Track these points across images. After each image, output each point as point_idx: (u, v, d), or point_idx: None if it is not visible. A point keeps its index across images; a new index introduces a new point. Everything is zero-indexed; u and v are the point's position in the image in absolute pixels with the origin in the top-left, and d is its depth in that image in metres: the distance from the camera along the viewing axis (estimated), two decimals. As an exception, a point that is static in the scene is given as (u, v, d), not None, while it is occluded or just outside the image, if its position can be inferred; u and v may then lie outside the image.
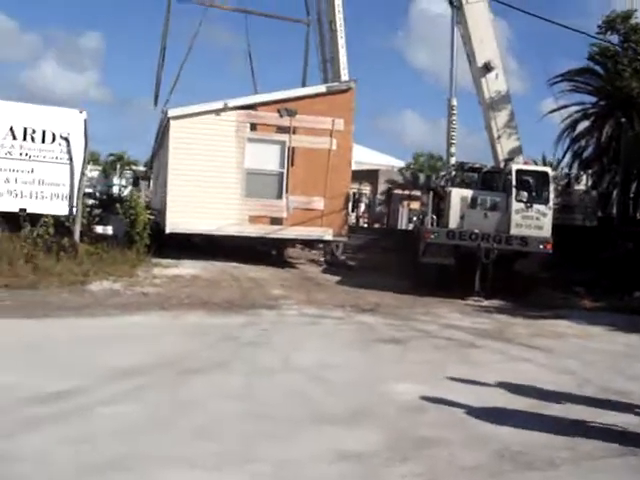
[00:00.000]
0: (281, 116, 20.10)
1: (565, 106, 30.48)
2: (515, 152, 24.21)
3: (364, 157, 42.21)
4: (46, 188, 17.08)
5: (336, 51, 30.19)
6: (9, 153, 16.74)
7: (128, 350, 9.23)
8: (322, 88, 22.08)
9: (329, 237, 21.09)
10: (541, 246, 17.77)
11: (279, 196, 20.36)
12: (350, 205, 24.71)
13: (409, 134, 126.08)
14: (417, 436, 6.53)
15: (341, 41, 29.89)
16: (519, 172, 18.61)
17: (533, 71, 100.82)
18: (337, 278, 19.18)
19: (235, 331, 11.19)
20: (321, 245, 22.89)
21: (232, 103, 19.95)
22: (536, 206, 18.20)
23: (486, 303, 17.19)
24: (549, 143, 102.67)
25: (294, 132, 20.21)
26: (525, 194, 18.18)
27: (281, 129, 20.24)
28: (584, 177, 28.23)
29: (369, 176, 37.17)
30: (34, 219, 16.74)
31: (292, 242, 22.59)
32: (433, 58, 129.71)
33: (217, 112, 19.80)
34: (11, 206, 16.70)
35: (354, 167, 24.08)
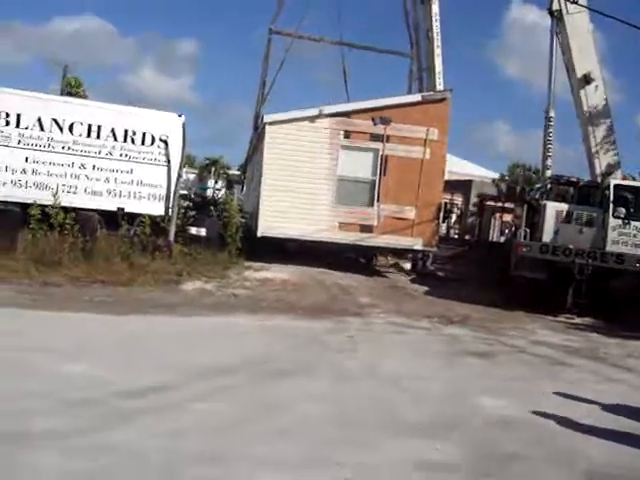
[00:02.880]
0: (375, 124, 20.10)
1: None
2: (613, 167, 23.55)
3: (457, 167, 41.72)
4: (144, 189, 17.58)
5: (432, 60, 30.00)
6: (110, 154, 17.30)
7: (218, 349, 9.43)
8: (417, 97, 22.01)
9: (419, 247, 20.96)
10: (638, 264, 17.24)
11: (370, 204, 20.36)
12: (441, 215, 24.48)
13: (500, 145, 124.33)
14: (502, 452, 6.45)
15: (437, 50, 29.68)
16: (617, 187, 18.11)
17: (629, 84, 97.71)
18: (425, 288, 19.06)
19: (322, 336, 11.28)
20: (411, 254, 22.76)
21: (327, 110, 20.09)
22: (634, 223, 17.69)
23: (578, 321, 16.79)
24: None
25: (387, 140, 20.19)
26: (623, 210, 17.68)
27: (375, 137, 20.25)
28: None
29: (462, 186, 36.73)
30: (131, 218, 17.26)
31: (382, 250, 22.54)
32: (526, 68, 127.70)
33: (312, 119, 19.96)
34: (110, 205, 17.25)
35: (447, 177, 23.88)
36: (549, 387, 9.18)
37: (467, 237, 34.73)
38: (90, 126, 17.20)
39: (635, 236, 17.65)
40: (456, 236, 35.79)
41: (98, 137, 17.24)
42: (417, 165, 20.27)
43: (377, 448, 6.20)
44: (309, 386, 8.04)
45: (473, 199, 35.53)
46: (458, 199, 38.32)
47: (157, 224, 17.53)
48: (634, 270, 17.27)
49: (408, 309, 15.34)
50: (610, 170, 23.29)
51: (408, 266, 22.85)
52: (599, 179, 22.43)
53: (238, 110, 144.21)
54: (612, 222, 17.69)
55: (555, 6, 23.56)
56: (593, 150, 23.72)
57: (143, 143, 17.59)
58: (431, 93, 23.67)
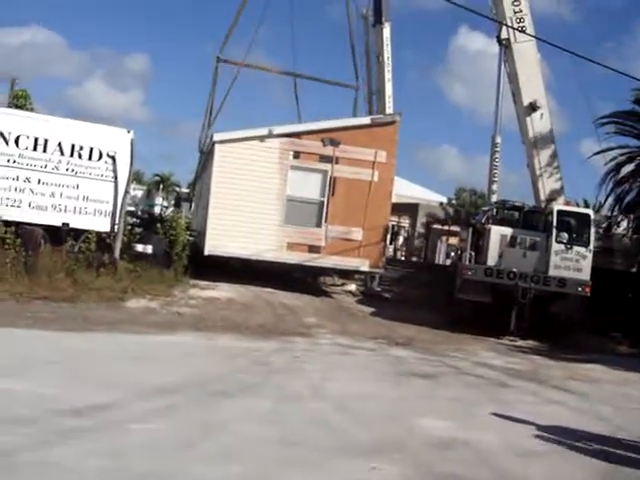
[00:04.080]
0: (324, 145, 20.23)
1: (610, 148, 30.06)
2: (557, 193, 24.07)
3: (405, 190, 42.14)
4: (90, 204, 17.33)
5: (382, 84, 30.42)
6: (56, 168, 17.03)
7: (161, 368, 9.34)
8: (367, 120, 22.24)
9: (366, 268, 21.07)
10: (579, 288, 17.60)
11: (318, 225, 20.43)
12: (388, 237, 24.66)
13: (448, 169, 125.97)
14: (442, 472, 6.50)
15: (388, 74, 30.15)
16: (560, 213, 18.50)
17: (572, 112, 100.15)
18: (372, 309, 19.14)
19: (267, 356, 11.26)
20: (357, 276, 22.85)
21: (277, 130, 20.16)
22: (576, 248, 18.06)
23: (521, 343, 17.05)
24: (589, 185, 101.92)
25: (337, 162, 20.32)
26: (565, 235, 18.04)
27: (324, 158, 20.36)
28: (625, 221, 27.86)
29: (409, 209, 37.08)
30: (76, 234, 17.02)
31: (329, 271, 22.59)
32: (472, 94, 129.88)
33: (262, 138, 20.00)
34: (55, 220, 16.96)
35: (394, 200, 24.09)
36: (490, 408, 9.29)
37: (414, 259, 35.00)
38: (37, 139, 16.91)
39: (577, 261, 18.01)
40: (403, 258, 36.08)
41: (44, 151, 16.95)
42: (365, 187, 20.42)
43: (319, 468, 6.20)
44: (253, 407, 8.00)
45: (420, 222, 35.84)
46: (405, 221, 38.71)
47: (103, 240, 17.31)
48: (576, 294, 17.62)
49: (354, 330, 15.39)
50: (554, 195, 23.78)
51: (355, 287, 22.92)
52: (543, 204, 22.86)
53: (189, 127, 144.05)
54: (555, 247, 18.02)
55: (504, 34, 24.07)
56: (538, 175, 24.21)
57: (90, 158, 17.35)
58: (380, 116, 23.98)
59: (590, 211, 20.62)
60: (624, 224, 27.99)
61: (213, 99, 27.82)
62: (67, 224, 16.99)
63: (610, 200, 31.40)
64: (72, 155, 17.21)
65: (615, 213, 29.98)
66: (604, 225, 26.30)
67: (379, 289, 22.60)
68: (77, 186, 17.21)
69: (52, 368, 8.57)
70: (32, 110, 24.99)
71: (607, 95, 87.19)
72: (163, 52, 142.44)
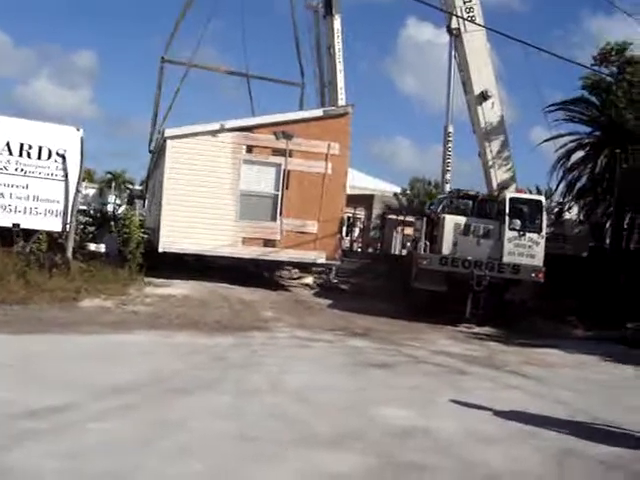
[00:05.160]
0: (277, 139, 20.16)
1: (560, 135, 30.56)
2: (508, 180, 24.32)
3: (359, 182, 42.30)
4: (40, 204, 17.04)
5: (334, 76, 30.41)
6: (5, 168, 16.71)
7: (117, 368, 9.22)
8: (319, 112, 22.21)
9: (322, 260, 21.08)
10: (533, 274, 17.83)
11: (273, 218, 20.38)
12: (344, 229, 24.69)
13: (400, 160, 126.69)
14: (403, 461, 6.52)
15: (339, 66, 30.14)
16: (512, 200, 18.70)
17: (521, 100, 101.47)
18: (329, 302, 19.16)
19: (225, 352, 11.18)
20: (314, 268, 22.86)
21: (229, 125, 20.03)
22: (529, 234, 18.27)
23: (477, 330, 17.23)
24: (541, 172, 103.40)
25: (290, 155, 20.28)
26: (518, 222, 18.24)
27: (277, 152, 20.30)
28: (576, 207, 28.35)
29: (364, 200, 37.26)
30: (27, 235, 16.74)
31: (285, 264, 22.56)
32: (422, 84, 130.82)
33: (214, 133, 19.86)
34: (4, 221, 16.64)
35: (349, 191, 24.16)
36: (449, 396, 9.35)
37: (370, 250, 35.16)
38: (-17, 139, 16.61)
39: (530, 247, 18.22)
40: (359, 249, 36.19)
41: (-8, 151, 16.66)
42: (319, 180, 20.42)
43: (280, 462, 6.17)
44: (212, 402, 7.94)
45: (375, 213, 36.02)
46: (360, 213, 38.84)
47: (54, 240, 17.07)
48: (530, 280, 17.84)
49: (311, 323, 15.38)
50: (506, 183, 24.03)
51: (311, 280, 22.93)
52: (495, 192, 23.09)
53: (140, 124, 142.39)
54: (508, 234, 18.21)
55: (454, 24, 24.20)
56: (489, 164, 24.43)
57: (40, 157, 17.05)
58: (332, 108, 23.99)
59: (542, 197, 20.87)
60: (575, 210, 28.47)
61: (159, 100, 27.35)
62: (17, 225, 16.70)
63: (561, 187, 31.99)
64: (21, 155, 16.91)
65: (566, 199, 30.52)
66: (555, 211, 26.71)
67: (336, 281, 22.65)
68: (27, 186, 16.91)
69: (6, 371, 8.39)
70: (-22, 109, 24.53)
71: (556, 83, 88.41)
72: (111, 49, 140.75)
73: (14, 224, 16.68)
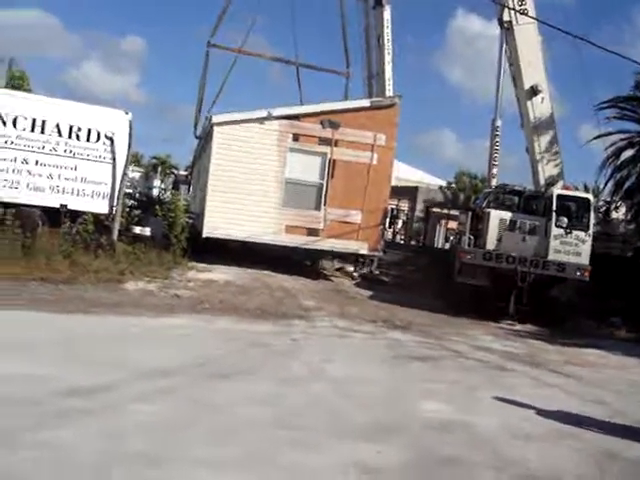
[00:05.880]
0: (324, 128, 20.13)
1: (610, 133, 30.00)
2: (556, 177, 24.03)
3: (404, 173, 42.14)
4: (88, 186, 17.25)
5: (382, 66, 30.26)
6: (54, 149, 16.94)
7: (158, 351, 9.31)
8: (366, 102, 22.10)
9: (364, 251, 21.03)
10: (579, 273, 17.59)
11: (317, 207, 20.37)
12: (387, 221, 24.61)
13: (447, 152, 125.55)
14: (440, 455, 6.48)
15: (388, 57, 29.96)
16: (560, 197, 18.44)
17: (572, 96, 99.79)
18: (370, 293, 19.12)
19: (265, 338, 11.22)
20: (356, 259, 22.80)
21: (276, 112, 20.04)
22: (575, 232, 18.02)
23: (519, 327, 17.06)
24: (589, 169, 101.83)
25: (336, 144, 20.22)
26: (565, 220, 18.00)
27: (323, 141, 20.26)
28: (624, 206, 27.87)
29: (408, 193, 37.07)
30: (74, 216, 16.96)
31: (327, 254, 22.55)
32: (469, 77, 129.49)
33: (261, 121, 19.89)
34: (52, 202, 16.88)
35: (394, 183, 24.04)
36: (489, 391, 9.28)
37: (412, 243, 35.03)
38: (34, 120, 16.80)
39: (576, 245, 17.98)
40: (402, 242, 36.08)
41: (42, 132, 16.85)
42: (364, 170, 20.34)
43: (317, 450, 6.18)
44: (252, 388, 7.98)
45: (419, 205, 35.84)
46: (404, 205, 38.69)
47: (100, 222, 17.26)
48: (575, 278, 17.61)
49: (352, 313, 15.36)
50: (553, 180, 23.75)
51: (353, 270, 22.89)
52: (542, 188, 22.82)
53: (186, 110, 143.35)
54: (554, 231, 17.99)
55: (506, 17, 23.94)
56: (537, 159, 24.17)
57: (88, 140, 17.25)
58: (380, 99, 23.81)
59: (590, 195, 20.58)
60: (623, 209, 27.99)
61: (204, 84, 27.46)
62: (65, 206, 16.92)
63: (610, 185, 31.43)
64: (70, 136, 17.12)
65: (614, 198, 29.98)
66: (603, 210, 26.29)
67: (377, 272, 22.57)
68: (75, 167, 17.13)
69: (52, 350, 8.52)
70: (29, 91, 24.91)
71: (606, 80, 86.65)
72: (159, 35, 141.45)
73: (62, 205, 16.91)
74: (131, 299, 13.10)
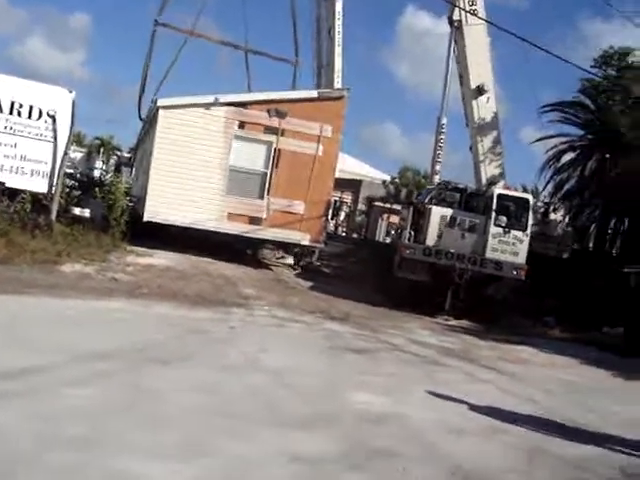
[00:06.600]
0: (270, 117, 20.06)
1: (552, 136, 30.68)
2: (498, 177, 24.43)
3: (349, 166, 42.25)
4: (27, 164, 16.88)
5: (332, 58, 30.24)
6: (-7, 126, 16.56)
7: (96, 334, 9.20)
8: (314, 93, 22.12)
9: (306, 242, 21.06)
10: (515, 272, 17.93)
11: (260, 196, 20.31)
12: (330, 212, 24.69)
13: (392, 147, 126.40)
14: (372, 446, 6.56)
15: (338, 49, 29.94)
16: (500, 197, 18.75)
17: (514, 97, 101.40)
18: (310, 284, 19.18)
19: (203, 326, 11.18)
20: (297, 249, 22.82)
21: (223, 99, 19.90)
22: (514, 232, 18.35)
23: (455, 323, 17.31)
24: (528, 171, 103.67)
25: (282, 134, 20.19)
26: (504, 219, 18.31)
27: (269, 130, 20.20)
28: (562, 208, 28.50)
29: (352, 185, 37.29)
30: (12, 194, 16.59)
31: (269, 243, 22.52)
32: (416, 73, 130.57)
33: (207, 106, 19.74)
34: (-10, 179, 16.51)
35: (338, 175, 24.11)
36: (423, 385, 9.41)
37: (354, 235, 35.21)
38: (-26, 96, 16.42)
39: (514, 244, 18.30)
40: (344, 234, 36.25)
41: (-18, 107, 16.48)
42: (309, 161, 20.36)
43: (251, 439, 6.19)
44: (188, 375, 7.94)
45: (362, 199, 36.05)
46: (347, 197, 38.88)
47: (39, 202, 16.92)
48: (511, 277, 17.94)
49: (292, 303, 15.39)
50: (495, 179, 24.14)
51: (294, 261, 22.92)
52: (484, 187, 23.16)
53: (132, 91, 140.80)
54: (493, 230, 18.28)
55: (456, 16, 24.20)
56: (480, 159, 24.53)
57: (30, 117, 16.87)
58: (328, 90, 23.86)
59: (529, 196, 20.97)
60: (561, 211, 28.62)
61: (149, 65, 26.99)
62: (3, 183, 16.54)
63: (549, 187, 32.15)
64: (11, 113, 16.73)
65: (553, 200, 30.64)
66: (541, 211, 26.83)
67: (318, 264, 22.65)
68: (15, 145, 16.74)
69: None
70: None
71: (549, 84, 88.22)
72: (107, 13, 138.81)
73: (-1, 182, 16.53)
74: (68, 281, 12.89)
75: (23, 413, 5.82)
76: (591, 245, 29.22)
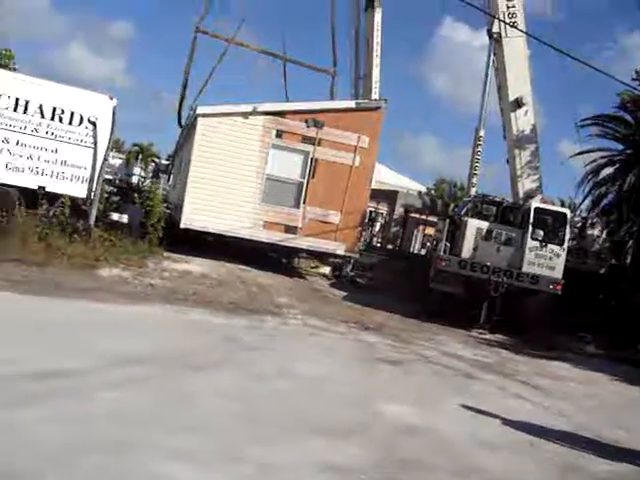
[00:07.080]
0: (308, 126, 20.13)
1: (590, 150, 30.31)
2: (535, 190, 24.21)
3: (385, 177, 42.17)
4: (67, 169, 17.11)
5: (370, 69, 30.27)
6: (35, 130, 16.79)
7: (129, 339, 9.28)
8: (352, 104, 22.14)
9: (341, 252, 21.05)
10: (551, 286, 17.73)
11: (296, 205, 20.36)
12: (366, 223, 24.65)
13: (427, 159, 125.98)
14: (403, 458, 6.54)
15: (376, 60, 29.96)
16: (538, 210, 18.58)
17: (552, 110, 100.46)
18: (344, 294, 19.17)
19: (237, 333, 11.23)
20: (332, 259, 22.83)
21: (261, 108, 20.01)
22: (550, 246, 18.17)
23: (489, 336, 17.17)
24: (566, 185, 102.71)
25: (319, 144, 20.24)
26: (541, 233, 18.14)
27: (306, 139, 20.26)
28: (600, 223, 28.13)
29: (388, 196, 37.12)
30: (52, 199, 16.82)
31: (304, 252, 22.56)
32: (454, 85, 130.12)
33: (245, 115, 19.85)
34: (30, 183, 16.74)
35: (374, 186, 24.09)
36: (455, 398, 9.36)
37: (389, 246, 35.09)
38: (17, 100, 16.63)
39: (550, 259, 18.11)
40: (379, 245, 36.13)
41: (25, 112, 16.70)
42: (346, 171, 20.37)
43: (281, 447, 6.21)
44: (221, 382, 8.00)
45: (398, 209, 35.91)
46: (383, 208, 38.74)
47: (78, 206, 17.11)
48: (547, 291, 17.76)
49: (325, 312, 15.39)
50: (532, 193, 23.92)
51: (329, 270, 22.93)
52: (521, 201, 22.97)
53: (172, 98, 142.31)
54: (530, 243, 18.12)
55: (495, 28, 24.08)
56: (518, 172, 24.32)
57: (71, 123, 17.10)
58: (366, 101, 23.87)
59: (567, 210, 20.74)
60: (599, 227, 28.24)
61: (189, 71, 27.22)
62: (43, 187, 16.77)
63: (587, 202, 31.75)
64: (53, 118, 16.96)
65: (591, 215, 30.25)
66: (579, 225, 26.52)
67: (353, 274, 22.63)
68: (56, 150, 16.98)
69: (20, 332, 8.48)
70: (15, 70, 24.67)
71: (587, 97, 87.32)
72: (148, 21, 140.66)
73: (39, 187, 16.76)
74: (105, 285, 13.05)
75: (54, 415, 5.90)
76: (629, 261, 28.78)
